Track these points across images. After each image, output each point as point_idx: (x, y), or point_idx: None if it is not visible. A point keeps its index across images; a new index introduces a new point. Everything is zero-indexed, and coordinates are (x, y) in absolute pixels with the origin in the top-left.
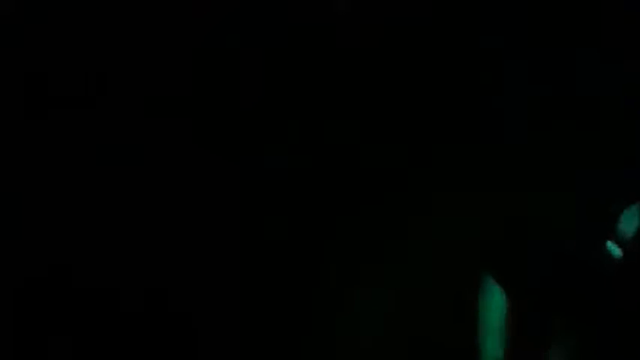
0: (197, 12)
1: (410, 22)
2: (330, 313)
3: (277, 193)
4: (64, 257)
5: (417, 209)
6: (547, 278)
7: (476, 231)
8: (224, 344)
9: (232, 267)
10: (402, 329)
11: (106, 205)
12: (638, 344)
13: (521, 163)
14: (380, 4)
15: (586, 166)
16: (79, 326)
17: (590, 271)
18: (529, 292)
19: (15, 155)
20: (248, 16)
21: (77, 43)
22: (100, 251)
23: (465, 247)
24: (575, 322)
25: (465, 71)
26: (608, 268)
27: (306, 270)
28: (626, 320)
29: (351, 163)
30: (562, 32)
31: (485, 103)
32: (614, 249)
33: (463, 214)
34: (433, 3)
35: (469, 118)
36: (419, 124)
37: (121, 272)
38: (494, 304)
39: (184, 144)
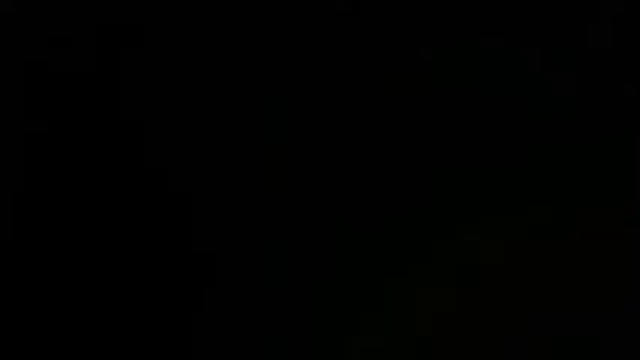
0: (197, 12)
1: (410, 22)
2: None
3: (276, 196)
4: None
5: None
6: None
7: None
8: (224, 346)
9: (233, 269)
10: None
11: (109, 206)
12: None
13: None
14: (380, 4)
15: None
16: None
17: None
18: None
19: (12, 155)
20: (248, 16)
21: (77, 43)
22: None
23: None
24: None
25: (467, 72)
26: None
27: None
28: None
29: (352, 165)
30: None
31: (488, 102)
32: None
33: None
34: (433, 3)
35: (473, 120)
36: (420, 126)
37: (119, 273)
38: None
39: (184, 144)
